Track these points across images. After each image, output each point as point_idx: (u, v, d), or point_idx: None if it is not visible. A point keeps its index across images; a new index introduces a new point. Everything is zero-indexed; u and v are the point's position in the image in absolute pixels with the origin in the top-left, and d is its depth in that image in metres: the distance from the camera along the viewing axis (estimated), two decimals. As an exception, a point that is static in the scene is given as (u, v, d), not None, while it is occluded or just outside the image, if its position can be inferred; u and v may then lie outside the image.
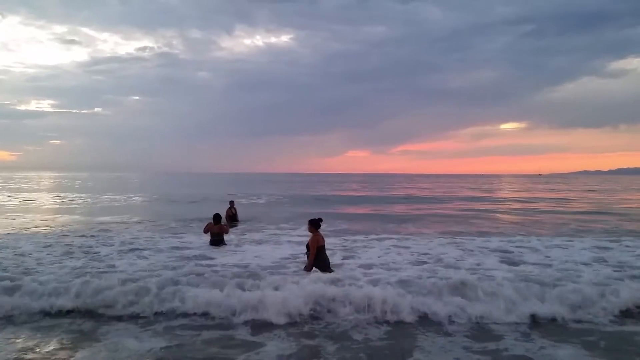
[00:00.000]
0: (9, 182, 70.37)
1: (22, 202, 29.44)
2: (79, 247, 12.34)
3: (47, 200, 32.32)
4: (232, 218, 19.06)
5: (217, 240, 13.06)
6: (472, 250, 12.01)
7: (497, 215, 23.95)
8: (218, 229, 13.17)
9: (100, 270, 9.23)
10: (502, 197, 40.36)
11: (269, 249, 12.35)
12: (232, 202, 19.89)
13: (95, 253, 11.50)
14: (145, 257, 10.93)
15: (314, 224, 9.17)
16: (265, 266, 9.83)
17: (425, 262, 10.37)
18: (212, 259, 10.90)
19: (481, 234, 15.82)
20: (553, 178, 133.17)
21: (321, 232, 9.30)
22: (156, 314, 6.75)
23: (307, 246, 9.10)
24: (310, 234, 9.19)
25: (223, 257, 11.05)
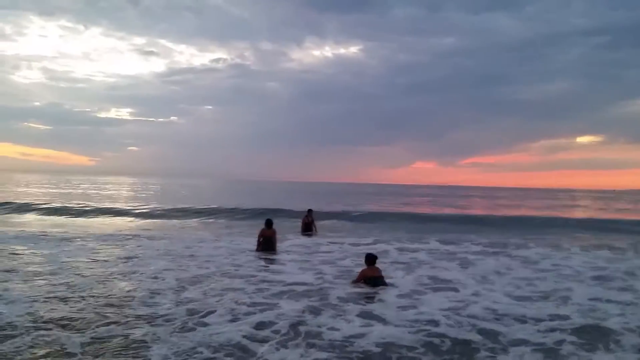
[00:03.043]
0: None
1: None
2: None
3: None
4: (307, 227, 19.06)
5: (265, 246, 13.57)
6: None
7: None
8: (270, 234, 13.67)
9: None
10: None
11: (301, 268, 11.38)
12: (310, 211, 19.86)
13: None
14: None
15: (366, 259, 9.81)
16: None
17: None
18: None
19: None
20: (630, 195, 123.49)
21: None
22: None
23: None
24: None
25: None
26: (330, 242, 16.29)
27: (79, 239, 15.33)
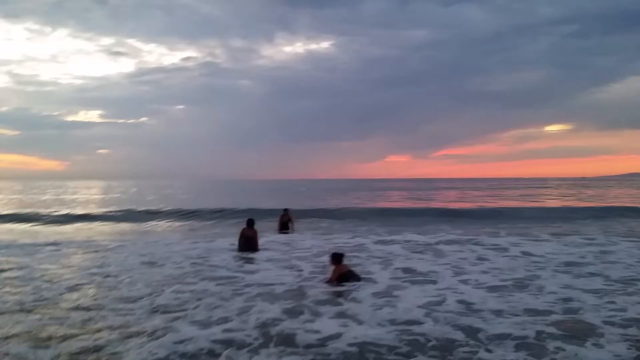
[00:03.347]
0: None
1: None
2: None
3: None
4: (283, 226, 18.79)
5: (246, 246, 13.45)
6: None
7: None
8: (252, 234, 13.52)
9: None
10: None
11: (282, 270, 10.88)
12: (286, 210, 19.65)
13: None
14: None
15: (333, 259, 9.67)
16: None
17: None
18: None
19: None
20: (601, 181, 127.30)
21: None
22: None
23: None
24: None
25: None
26: (307, 240, 16.22)
27: (50, 246, 14.89)
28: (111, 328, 6.70)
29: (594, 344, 5.99)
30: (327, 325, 6.79)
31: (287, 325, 6.78)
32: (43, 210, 30.25)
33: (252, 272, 10.69)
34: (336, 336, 6.28)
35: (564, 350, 5.79)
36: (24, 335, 6.43)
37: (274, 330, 6.54)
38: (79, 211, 30.64)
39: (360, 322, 6.88)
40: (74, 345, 6.04)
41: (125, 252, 13.64)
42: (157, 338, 6.26)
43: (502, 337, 6.21)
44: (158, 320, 7.03)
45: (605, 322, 6.80)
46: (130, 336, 6.37)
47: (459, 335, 6.29)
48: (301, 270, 10.81)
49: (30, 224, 24.60)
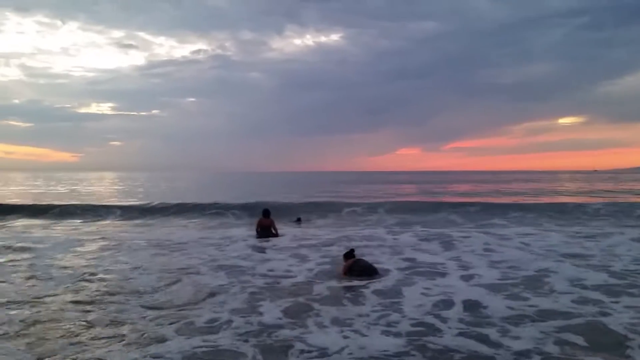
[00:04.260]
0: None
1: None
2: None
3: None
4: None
5: (263, 234, 14.25)
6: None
7: None
8: (268, 223, 14.16)
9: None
10: None
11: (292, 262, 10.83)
12: (299, 219, 20.15)
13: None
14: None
15: (346, 257, 9.80)
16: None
17: None
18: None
19: None
20: (612, 174, 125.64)
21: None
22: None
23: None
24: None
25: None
26: (319, 230, 16.42)
27: (61, 237, 15.08)
28: (102, 328, 6.45)
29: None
30: (328, 333, 6.17)
31: (284, 332, 6.19)
32: (56, 202, 30.55)
33: (262, 262, 10.85)
34: (339, 349, 5.63)
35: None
36: (22, 332, 6.35)
37: (267, 340, 5.93)
38: (94, 202, 30.88)
39: (362, 333, 6.17)
40: (58, 350, 5.77)
41: (139, 243, 13.78)
42: (147, 344, 5.86)
43: (523, 350, 5.51)
44: (154, 323, 6.64)
45: (631, 330, 6.11)
46: (117, 341, 5.99)
47: (476, 347, 5.67)
48: (310, 261, 10.89)
49: (43, 215, 24.84)
